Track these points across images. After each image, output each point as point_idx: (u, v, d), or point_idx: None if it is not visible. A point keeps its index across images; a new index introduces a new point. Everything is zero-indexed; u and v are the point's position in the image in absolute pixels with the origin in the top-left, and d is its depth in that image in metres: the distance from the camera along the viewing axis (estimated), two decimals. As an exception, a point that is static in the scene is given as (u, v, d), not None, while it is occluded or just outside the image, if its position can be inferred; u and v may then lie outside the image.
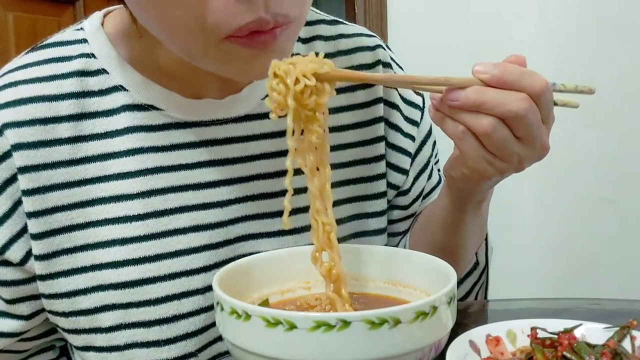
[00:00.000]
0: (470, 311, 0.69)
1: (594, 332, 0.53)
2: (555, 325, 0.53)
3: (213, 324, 0.64)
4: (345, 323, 0.42)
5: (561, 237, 1.95)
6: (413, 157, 0.76)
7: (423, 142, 0.77)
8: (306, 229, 0.66)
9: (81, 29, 0.65)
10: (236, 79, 0.61)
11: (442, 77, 0.51)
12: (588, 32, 1.85)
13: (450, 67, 2.19)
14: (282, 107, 0.50)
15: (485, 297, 0.80)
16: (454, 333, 0.49)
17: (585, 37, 1.85)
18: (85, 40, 0.64)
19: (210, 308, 0.63)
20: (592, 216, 1.89)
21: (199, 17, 0.50)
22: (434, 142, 0.80)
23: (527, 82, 0.50)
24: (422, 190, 0.78)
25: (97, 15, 0.66)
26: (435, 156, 0.82)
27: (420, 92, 0.77)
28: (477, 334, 0.53)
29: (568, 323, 0.53)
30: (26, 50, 0.65)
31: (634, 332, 0.52)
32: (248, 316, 0.44)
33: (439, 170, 0.82)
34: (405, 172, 0.74)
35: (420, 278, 0.56)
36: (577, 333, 0.53)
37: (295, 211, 0.64)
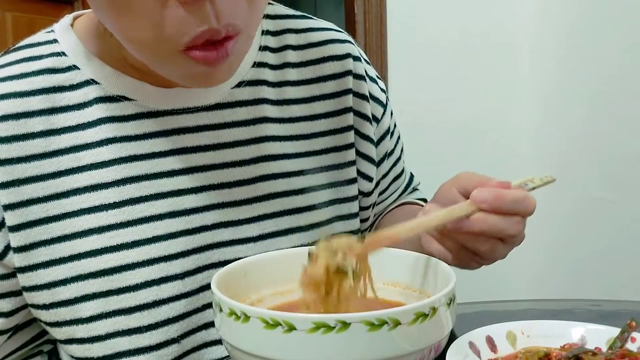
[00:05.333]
0: (470, 312, 0.69)
1: (594, 334, 0.53)
2: (555, 326, 0.53)
3: (195, 311, 0.64)
4: (345, 324, 0.41)
5: (561, 238, 1.95)
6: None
7: (382, 138, 0.79)
8: (285, 212, 0.69)
9: (52, 30, 0.67)
10: (193, 87, 0.64)
11: (445, 212, 0.54)
12: (588, 32, 1.85)
13: (449, 68, 2.20)
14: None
15: None
16: (454, 334, 0.49)
17: (585, 37, 1.85)
18: (55, 41, 0.65)
19: (190, 294, 0.64)
20: (591, 217, 1.89)
21: (155, 29, 0.52)
22: (398, 139, 0.83)
23: (521, 208, 0.56)
24: (378, 184, 0.80)
25: (67, 18, 0.68)
26: (401, 152, 0.85)
27: (384, 89, 0.80)
28: (477, 335, 0.53)
29: (568, 324, 0.53)
30: None
31: (634, 334, 0.52)
32: (247, 317, 0.43)
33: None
34: (373, 161, 0.77)
35: (419, 279, 0.56)
36: (577, 334, 0.53)
37: (272, 196, 0.69)
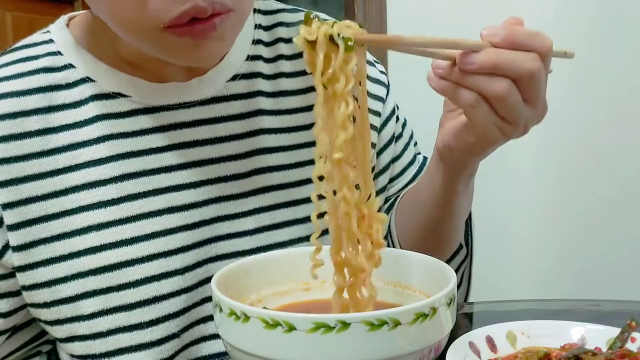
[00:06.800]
0: (470, 312, 0.69)
1: (594, 334, 0.53)
2: (555, 326, 0.53)
3: (194, 305, 0.65)
4: (345, 324, 0.41)
5: (561, 238, 1.95)
6: (378, 131, 0.77)
7: (388, 119, 0.78)
8: (282, 205, 0.69)
9: (48, 31, 0.68)
10: (182, 64, 0.63)
11: (453, 38, 0.49)
12: (587, 30, 1.85)
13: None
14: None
15: (470, 276, 0.79)
16: (454, 334, 0.49)
17: (589, 34, 1.85)
18: (51, 41, 0.66)
19: (190, 289, 0.64)
20: (591, 216, 1.89)
21: (139, 7, 0.52)
22: (404, 123, 0.82)
23: (537, 42, 0.51)
24: (388, 167, 0.79)
25: (62, 18, 0.69)
26: (411, 137, 0.83)
27: (384, 72, 0.81)
28: (477, 335, 0.52)
29: (568, 324, 0.53)
30: None
31: (634, 334, 0.52)
32: (247, 317, 0.43)
33: (418, 153, 0.85)
34: (373, 146, 0.76)
35: (419, 279, 0.55)
36: (577, 334, 0.52)
37: (268, 189, 0.69)
